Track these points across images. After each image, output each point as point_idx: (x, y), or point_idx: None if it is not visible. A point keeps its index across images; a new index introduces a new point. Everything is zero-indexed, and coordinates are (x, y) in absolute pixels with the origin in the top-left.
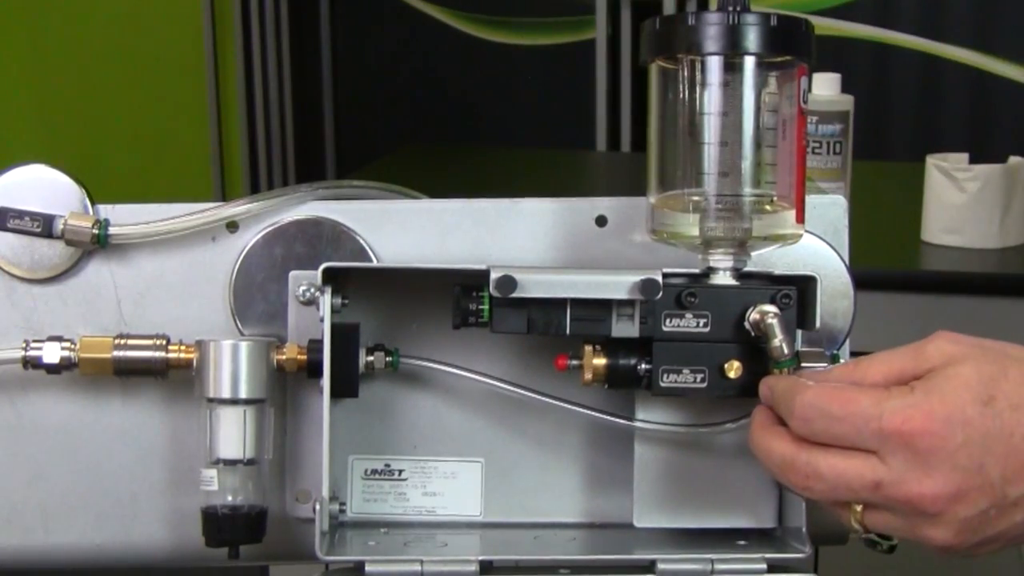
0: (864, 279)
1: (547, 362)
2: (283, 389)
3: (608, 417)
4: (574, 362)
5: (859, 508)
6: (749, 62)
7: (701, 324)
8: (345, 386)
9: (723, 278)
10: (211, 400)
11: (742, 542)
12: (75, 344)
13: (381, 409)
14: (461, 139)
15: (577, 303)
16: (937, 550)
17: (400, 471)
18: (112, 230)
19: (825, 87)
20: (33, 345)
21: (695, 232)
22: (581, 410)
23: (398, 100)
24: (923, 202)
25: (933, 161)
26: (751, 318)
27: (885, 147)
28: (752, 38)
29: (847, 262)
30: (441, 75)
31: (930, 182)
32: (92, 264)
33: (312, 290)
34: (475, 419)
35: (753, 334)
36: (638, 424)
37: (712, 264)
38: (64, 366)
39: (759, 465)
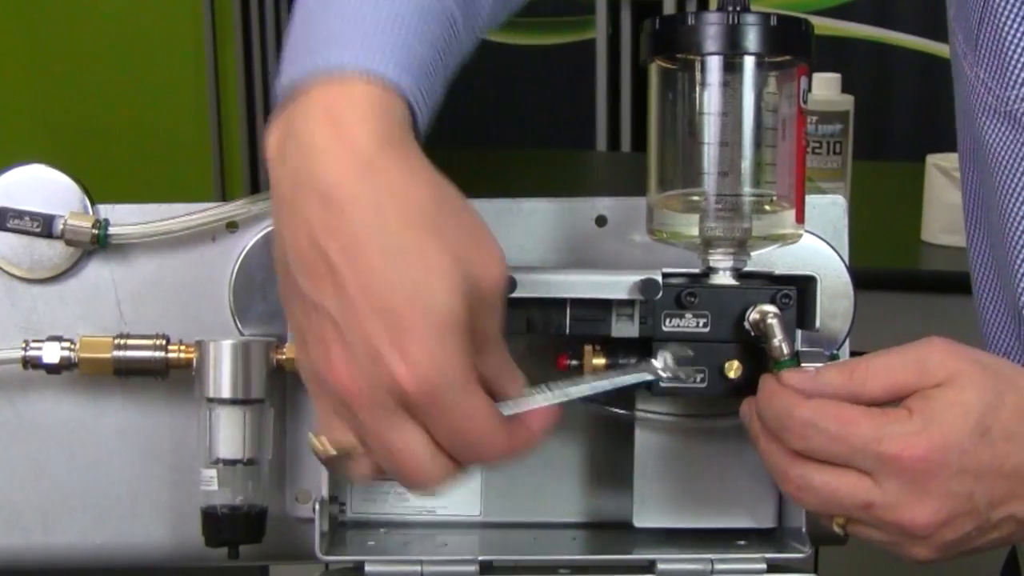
0: (864, 279)
1: (547, 362)
2: (283, 389)
3: (608, 408)
4: (574, 362)
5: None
6: (749, 62)
7: (701, 324)
8: None
9: (723, 278)
10: (211, 400)
11: (742, 542)
12: (75, 344)
13: None
14: (461, 139)
15: (577, 303)
16: (911, 562)
17: None
18: (112, 230)
19: (825, 87)
20: (33, 345)
21: (695, 232)
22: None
23: None
24: (923, 202)
25: (933, 161)
26: (751, 318)
27: (885, 147)
28: (752, 38)
29: (847, 262)
30: None
31: (930, 182)
32: (92, 264)
33: None
34: None
35: (753, 334)
36: (638, 414)
37: (712, 264)
38: (64, 366)
39: (759, 465)
